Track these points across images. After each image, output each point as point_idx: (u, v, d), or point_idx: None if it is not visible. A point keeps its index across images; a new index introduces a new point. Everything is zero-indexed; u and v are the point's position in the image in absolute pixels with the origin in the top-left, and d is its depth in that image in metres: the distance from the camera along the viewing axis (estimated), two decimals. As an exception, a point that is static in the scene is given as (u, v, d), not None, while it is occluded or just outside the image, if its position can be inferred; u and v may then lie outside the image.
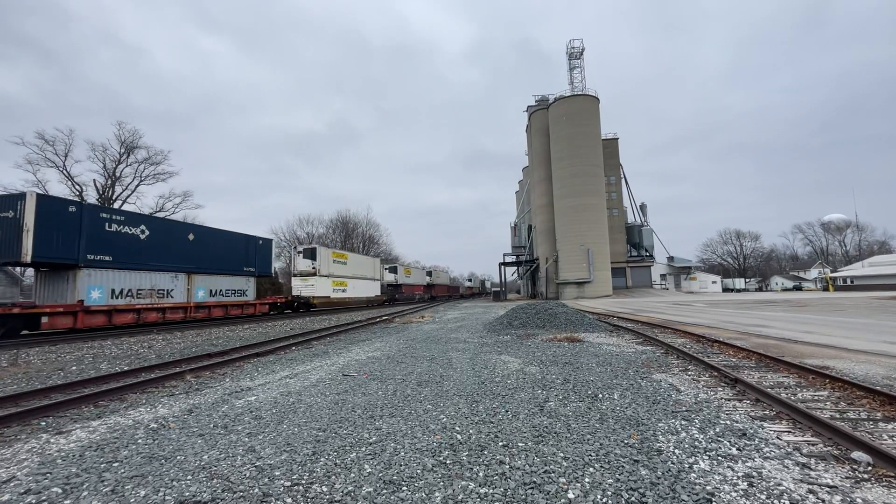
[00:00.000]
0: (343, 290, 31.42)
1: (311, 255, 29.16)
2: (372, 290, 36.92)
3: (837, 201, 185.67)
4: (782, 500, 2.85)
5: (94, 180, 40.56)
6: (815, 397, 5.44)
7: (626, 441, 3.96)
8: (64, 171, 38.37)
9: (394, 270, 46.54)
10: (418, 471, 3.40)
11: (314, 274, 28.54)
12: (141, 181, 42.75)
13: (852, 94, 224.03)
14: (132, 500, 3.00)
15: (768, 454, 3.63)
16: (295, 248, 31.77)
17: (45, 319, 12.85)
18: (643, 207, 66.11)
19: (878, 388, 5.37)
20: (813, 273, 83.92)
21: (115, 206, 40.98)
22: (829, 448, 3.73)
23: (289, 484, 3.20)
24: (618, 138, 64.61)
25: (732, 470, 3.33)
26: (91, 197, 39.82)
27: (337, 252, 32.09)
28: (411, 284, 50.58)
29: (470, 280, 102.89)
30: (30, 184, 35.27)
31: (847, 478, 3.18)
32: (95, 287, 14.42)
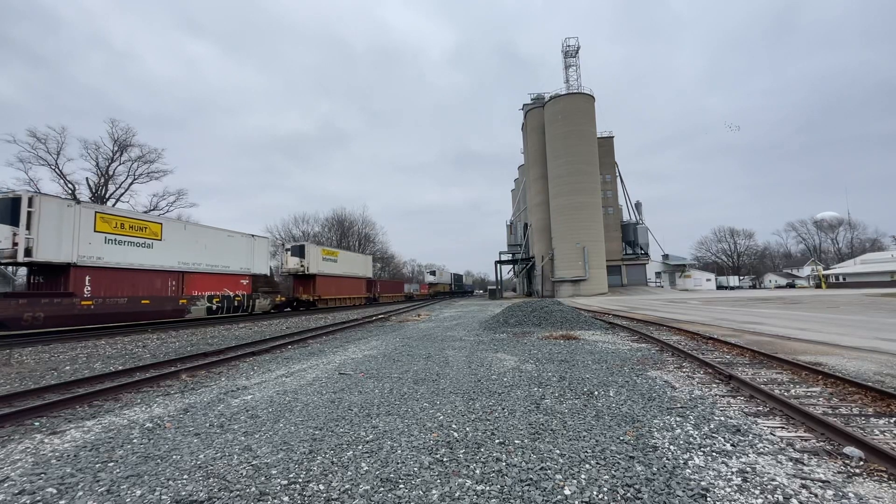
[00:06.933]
0: None
1: None
2: None
3: (830, 200, 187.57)
4: (776, 495, 2.88)
5: (87, 178, 40.10)
6: (808, 393, 5.49)
7: (621, 438, 3.98)
8: (56, 170, 37.96)
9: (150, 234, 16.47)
10: (415, 468, 3.40)
11: None
12: (134, 179, 42.35)
13: (829, 97, 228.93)
14: (128, 499, 2.98)
15: (762, 450, 3.67)
16: None
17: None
18: (638, 206, 66.33)
19: (869, 383, 5.45)
20: (806, 270, 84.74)
21: (108, 204, 40.64)
22: (822, 443, 3.77)
23: (285, 482, 3.20)
24: (613, 136, 64.72)
25: (727, 465, 3.36)
26: (84, 195, 39.42)
27: None
28: (218, 274, 20.34)
29: (433, 273, 66.64)
30: (22, 182, 34.91)
31: (839, 472, 3.22)
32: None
